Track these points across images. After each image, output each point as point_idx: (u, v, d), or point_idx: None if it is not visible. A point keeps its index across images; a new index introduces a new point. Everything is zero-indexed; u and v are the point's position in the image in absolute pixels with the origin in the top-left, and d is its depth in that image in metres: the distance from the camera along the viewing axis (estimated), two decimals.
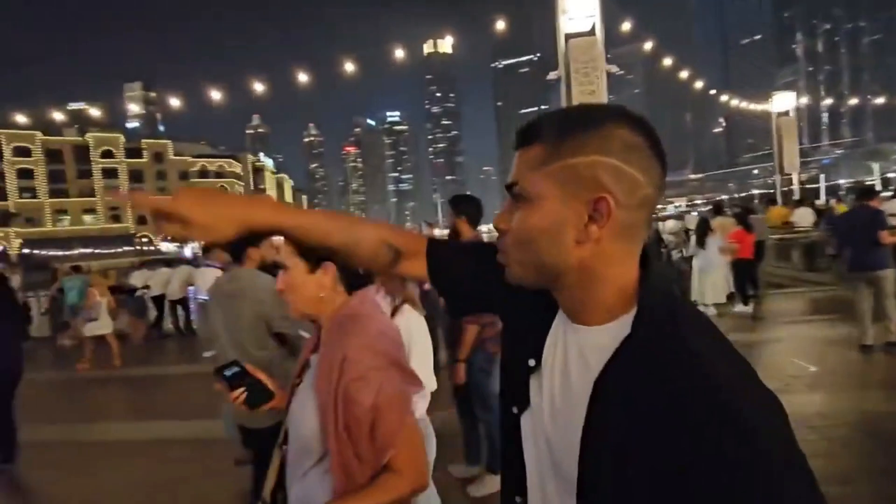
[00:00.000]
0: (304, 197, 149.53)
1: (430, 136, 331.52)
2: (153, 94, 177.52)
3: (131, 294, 8.82)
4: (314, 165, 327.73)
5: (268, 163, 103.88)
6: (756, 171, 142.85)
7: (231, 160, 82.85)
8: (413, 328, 1.79)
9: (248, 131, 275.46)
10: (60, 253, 60.18)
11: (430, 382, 1.89)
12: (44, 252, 59.52)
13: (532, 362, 0.63)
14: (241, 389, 1.21)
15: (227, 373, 1.23)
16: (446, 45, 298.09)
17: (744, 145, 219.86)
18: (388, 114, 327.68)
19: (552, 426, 0.59)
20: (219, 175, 79.42)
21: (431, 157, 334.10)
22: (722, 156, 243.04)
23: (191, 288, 8.98)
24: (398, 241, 0.83)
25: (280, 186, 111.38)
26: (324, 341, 1.12)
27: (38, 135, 65.54)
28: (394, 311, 1.85)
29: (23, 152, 65.63)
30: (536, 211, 0.57)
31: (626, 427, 0.50)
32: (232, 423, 3.11)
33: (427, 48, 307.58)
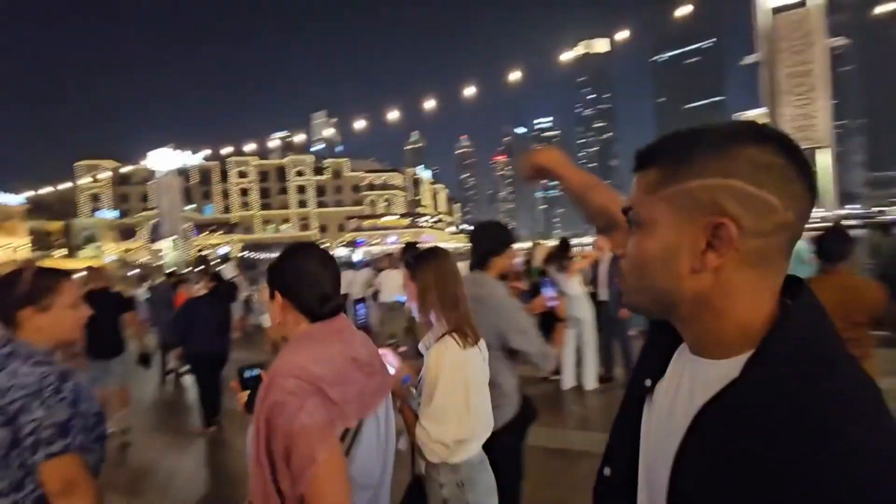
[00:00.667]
0: (458, 205, 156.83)
1: (581, 140, 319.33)
2: (334, 120, 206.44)
3: None
4: (465, 175, 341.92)
5: (425, 174, 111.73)
6: None
7: (395, 173, 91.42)
8: (447, 362, 1.55)
9: (407, 147, 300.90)
10: (266, 256, 73.71)
11: (472, 422, 1.59)
12: (254, 255, 73.47)
13: (648, 382, 0.61)
14: (248, 392, 1.21)
15: (247, 374, 1.22)
16: (600, 44, 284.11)
17: None
18: (538, 120, 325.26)
19: (652, 452, 0.58)
20: (384, 187, 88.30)
21: (583, 161, 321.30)
22: None
23: (369, 290, 9.97)
24: (617, 214, 0.91)
25: (436, 196, 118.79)
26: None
27: (255, 159, 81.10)
28: (437, 339, 1.63)
29: (242, 175, 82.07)
30: (650, 236, 0.54)
31: (714, 479, 0.45)
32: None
33: (580, 50, 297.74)
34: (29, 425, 1.17)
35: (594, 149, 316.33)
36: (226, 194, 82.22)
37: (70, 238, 70.14)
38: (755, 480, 0.40)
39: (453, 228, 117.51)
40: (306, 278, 1.17)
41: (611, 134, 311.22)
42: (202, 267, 8.50)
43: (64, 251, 64.87)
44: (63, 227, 70.39)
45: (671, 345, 0.61)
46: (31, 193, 51.26)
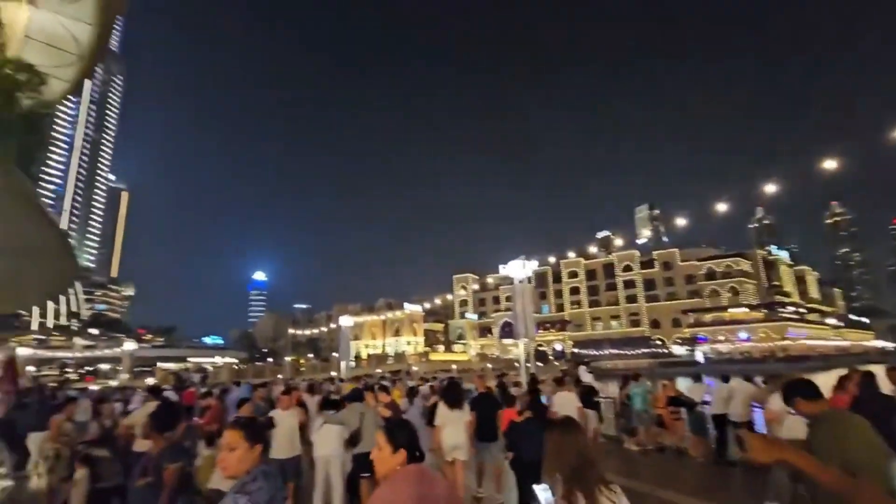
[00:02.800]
0: (836, 290, 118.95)
1: None
2: (657, 212, 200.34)
3: (691, 408, 8.74)
4: (845, 250, 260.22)
5: (781, 255, 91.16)
6: None
7: (738, 258, 78.53)
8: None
9: (751, 226, 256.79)
10: (595, 352, 73.78)
11: None
12: (585, 351, 74.68)
13: None
14: None
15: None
16: None
17: None
18: None
19: None
20: (726, 275, 76.52)
21: None
22: None
23: (758, 409, 7.89)
24: None
25: (802, 280, 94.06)
26: None
27: (582, 261, 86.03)
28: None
29: (572, 275, 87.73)
30: None
31: None
32: None
33: None
34: None
35: None
36: (558, 294, 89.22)
37: (447, 336, 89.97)
38: None
39: (834, 320, 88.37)
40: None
41: None
42: (527, 391, 8.87)
43: (442, 347, 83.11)
44: (444, 327, 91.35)
45: None
46: (424, 303, 68.79)
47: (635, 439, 9.59)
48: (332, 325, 62.49)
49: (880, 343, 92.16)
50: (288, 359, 59.53)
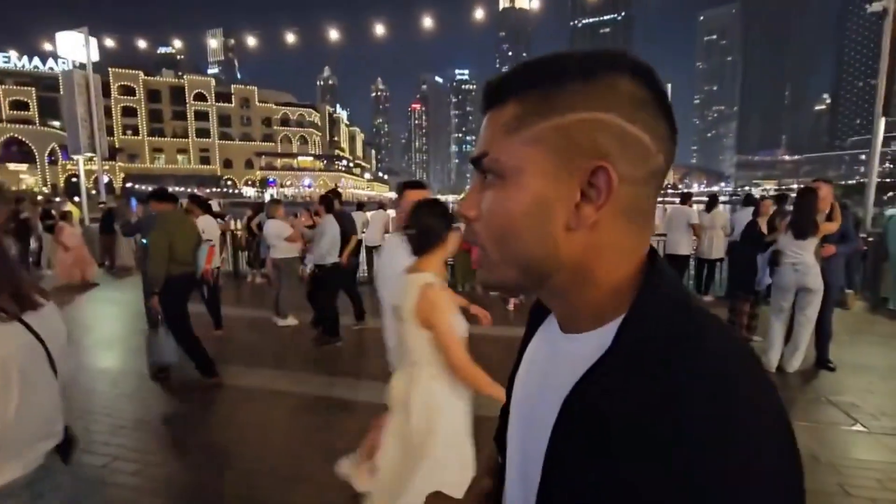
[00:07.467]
0: (373, 151, 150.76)
1: None
2: (232, 42, 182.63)
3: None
4: (380, 120, 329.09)
5: (343, 115, 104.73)
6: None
7: (311, 110, 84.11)
8: None
9: (318, 82, 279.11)
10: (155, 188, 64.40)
11: None
12: (142, 187, 63.98)
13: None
14: None
15: None
16: (524, 0, 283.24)
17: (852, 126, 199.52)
18: (458, 71, 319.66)
19: (522, 438, 0.48)
20: (299, 124, 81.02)
21: None
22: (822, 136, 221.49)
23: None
24: None
25: (353, 139, 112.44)
26: None
27: (141, 75, 69.04)
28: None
29: (126, 91, 69.44)
30: (514, 189, 0.41)
31: (587, 463, 0.35)
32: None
33: (503, 2, 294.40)
34: None
35: None
36: (107, 113, 69.49)
37: None
38: (638, 451, 0.32)
39: (369, 175, 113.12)
40: None
41: None
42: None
43: None
44: None
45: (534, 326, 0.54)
46: None
47: (263, 271, 8.75)
48: None
49: (393, 195, 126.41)
50: None
